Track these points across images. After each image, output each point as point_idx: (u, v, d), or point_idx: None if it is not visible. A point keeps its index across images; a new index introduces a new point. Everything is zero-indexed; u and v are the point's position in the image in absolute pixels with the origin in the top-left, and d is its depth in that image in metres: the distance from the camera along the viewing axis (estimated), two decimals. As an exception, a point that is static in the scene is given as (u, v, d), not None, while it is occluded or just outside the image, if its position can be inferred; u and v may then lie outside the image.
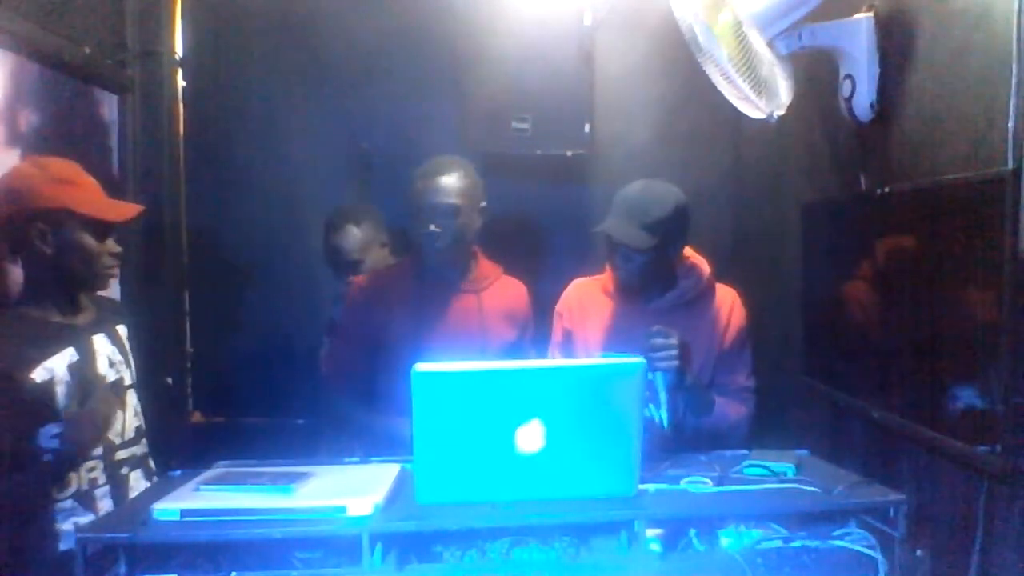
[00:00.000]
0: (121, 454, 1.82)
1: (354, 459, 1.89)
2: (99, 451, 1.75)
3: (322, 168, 2.73)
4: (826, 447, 2.15)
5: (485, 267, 2.23)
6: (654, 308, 2.05)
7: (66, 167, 1.78)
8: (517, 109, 2.62)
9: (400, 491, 1.57)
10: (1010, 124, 1.49)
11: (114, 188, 2.25)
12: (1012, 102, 1.48)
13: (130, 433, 1.85)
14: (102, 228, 1.76)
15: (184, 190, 2.62)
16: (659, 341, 1.88)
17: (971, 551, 1.62)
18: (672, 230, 1.97)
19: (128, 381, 1.88)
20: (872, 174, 2.03)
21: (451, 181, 2.07)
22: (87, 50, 2.10)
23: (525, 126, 2.62)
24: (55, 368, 1.70)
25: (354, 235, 2.52)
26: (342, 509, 1.45)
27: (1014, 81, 1.47)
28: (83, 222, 1.73)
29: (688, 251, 2.12)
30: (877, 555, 1.53)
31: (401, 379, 1.74)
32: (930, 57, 1.79)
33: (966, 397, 1.62)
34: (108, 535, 1.42)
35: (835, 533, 1.57)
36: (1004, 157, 1.51)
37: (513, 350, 2.17)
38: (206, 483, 1.57)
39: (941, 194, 1.71)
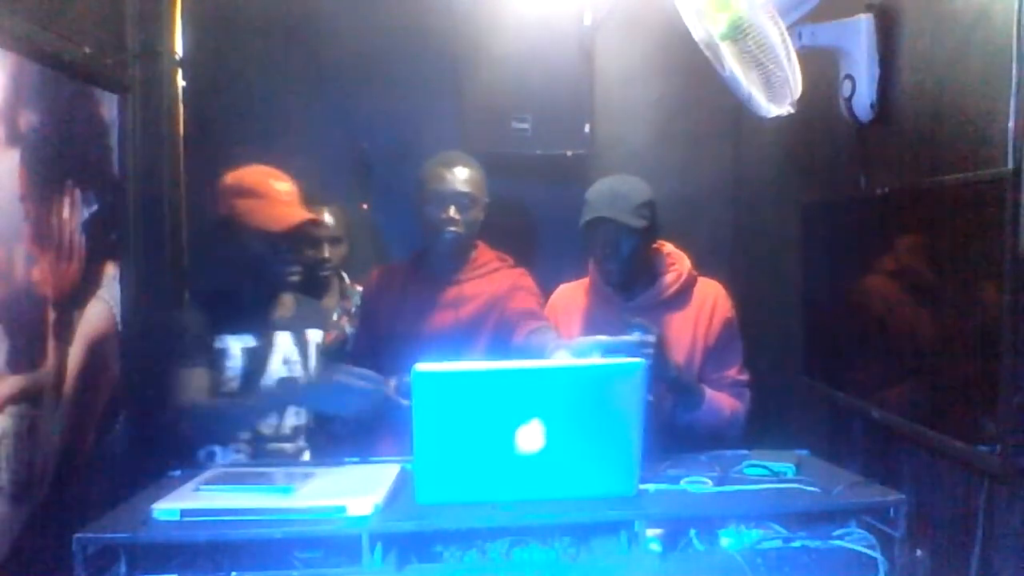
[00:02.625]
0: (270, 446, 1.94)
1: (354, 459, 1.89)
2: (247, 436, 1.91)
3: (322, 168, 2.73)
4: (826, 447, 2.15)
5: (484, 257, 2.24)
6: (636, 305, 2.05)
7: (251, 176, 1.92)
8: (517, 109, 2.62)
9: (400, 491, 1.57)
10: (1010, 124, 1.49)
11: (114, 188, 2.25)
12: (1012, 102, 1.48)
13: (285, 430, 1.97)
14: (274, 236, 1.87)
15: (184, 190, 2.61)
16: (635, 336, 1.81)
17: (971, 551, 1.62)
18: (654, 215, 2.00)
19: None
20: (872, 174, 2.03)
21: (469, 173, 2.14)
22: (87, 50, 2.10)
23: (525, 126, 2.63)
24: (229, 346, 1.90)
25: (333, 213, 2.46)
26: (342, 509, 1.45)
27: (1014, 81, 1.47)
28: (254, 230, 1.86)
29: (668, 246, 2.12)
30: (877, 555, 1.53)
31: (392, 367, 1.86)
32: (930, 57, 1.79)
33: (966, 397, 1.62)
34: (108, 535, 1.42)
35: (835, 533, 1.57)
36: (1004, 157, 1.51)
37: (499, 337, 2.12)
38: (206, 483, 1.57)
39: (941, 194, 1.71)
